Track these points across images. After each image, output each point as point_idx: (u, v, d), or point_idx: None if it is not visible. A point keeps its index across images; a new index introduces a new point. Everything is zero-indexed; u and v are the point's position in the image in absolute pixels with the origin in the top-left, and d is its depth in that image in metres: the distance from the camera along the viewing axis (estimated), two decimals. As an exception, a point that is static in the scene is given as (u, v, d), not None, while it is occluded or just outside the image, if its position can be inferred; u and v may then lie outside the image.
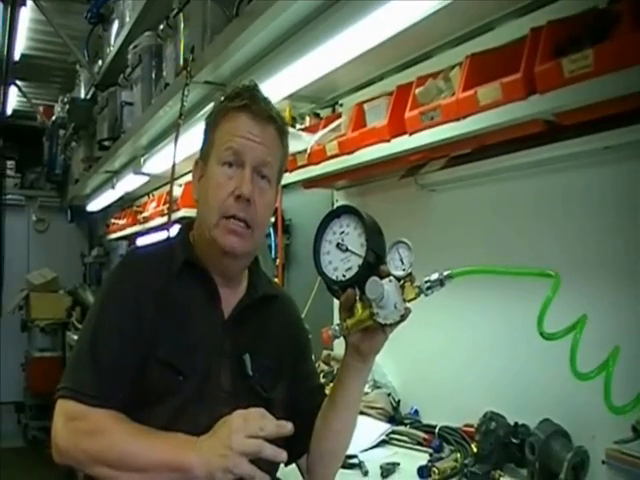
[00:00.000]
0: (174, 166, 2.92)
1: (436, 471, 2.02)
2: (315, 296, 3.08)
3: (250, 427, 1.30)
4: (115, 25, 4.97)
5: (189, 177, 4.26)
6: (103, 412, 1.40)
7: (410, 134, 2.17)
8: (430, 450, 2.27)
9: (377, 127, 2.35)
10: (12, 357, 8.44)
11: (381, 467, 2.14)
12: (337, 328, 1.43)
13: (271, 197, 1.60)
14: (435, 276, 1.33)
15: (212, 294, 1.57)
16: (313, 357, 1.93)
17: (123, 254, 7.18)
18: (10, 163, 9.51)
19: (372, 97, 2.57)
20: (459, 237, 2.41)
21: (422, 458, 2.18)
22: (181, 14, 3.15)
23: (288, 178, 2.75)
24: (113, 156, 4.76)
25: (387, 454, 2.33)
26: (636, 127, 1.72)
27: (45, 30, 6.32)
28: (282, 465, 1.70)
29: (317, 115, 3.14)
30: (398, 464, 2.17)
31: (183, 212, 4.23)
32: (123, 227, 6.34)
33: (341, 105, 3.02)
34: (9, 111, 8.49)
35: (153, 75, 3.91)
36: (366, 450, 2.34)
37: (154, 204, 5.33)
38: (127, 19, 4.42)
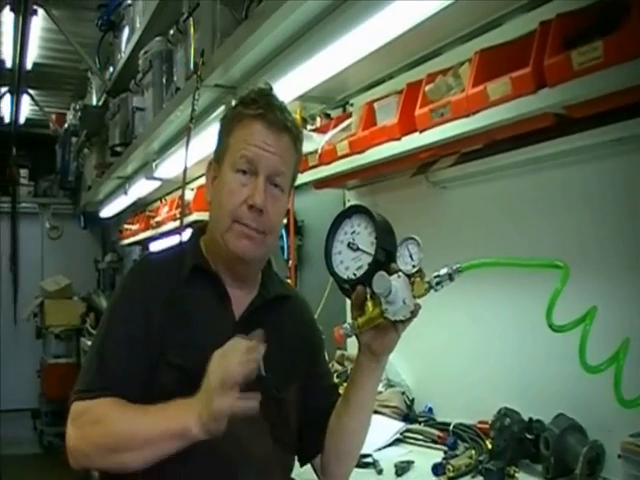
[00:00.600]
0: (186, 170, 2.94)
1: (451, 468, 2.02)
2: (328, 296, 3.07)
3: (223, 363, 1.31)
4: (126, 31, 5.01)
5: (201, 181, 4.28)
6: (103, 401, 1.41)
7: (420, 131, 2.17)
8: (445, 447, 2.25)
9: (387, 125, 2.35)
10: (27, 364, 8.51)
11: (395, 465, 2.13)
12: (349, 327, 1.43)
13: (283, 204, 1.60)
14: (444, 271, 1.33)
15: (222, 296, 1.57)
16: (327, 357, 1.94)
17: (136, 259, 7.21)
18: (23, 171, 9.60)
19: (382, 96, 2.57)
20: (471, 234, 2.41)
21: (437, 456, 2.18)
22: (191, 18, 3.16)
23: (299, 179, 2.74)
24: (125, 162, 4.79)
25: (401, 452, 2.33)
26: (648, 118, 1.71)
27: (56, 38, 6.37)
28: (297, 465, 1.71)
29: (327, 115, 3.15)
30: (413, 462, 2.16)
31: (195, 216, 4.25)
32: (136, 232, 6.37)
33: (351, 105, 3.03)
34: (22, 120, 8.56)
35: (164, 80, 3.93)
36: (380, 449, 2.33)
37: (166, 208, 5.34)
38: (137, 25, 4.46)
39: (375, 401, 1.78)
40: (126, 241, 6.95)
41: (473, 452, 2.11)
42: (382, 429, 2.41)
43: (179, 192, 4.51)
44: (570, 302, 1.22)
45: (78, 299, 8.30)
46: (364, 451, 1.89)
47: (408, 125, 2.24)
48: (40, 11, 5.73)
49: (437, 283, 1.34)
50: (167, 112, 3.44)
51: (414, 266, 1.34)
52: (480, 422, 2.26)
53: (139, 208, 6.47)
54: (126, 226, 6.91)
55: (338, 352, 2.99)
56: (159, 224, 5.35)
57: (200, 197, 4.28)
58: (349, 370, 2.69)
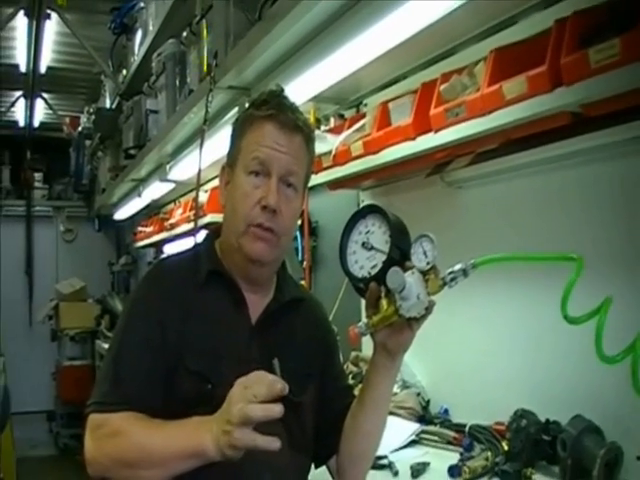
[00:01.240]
0: (200, 172, 2.94)
1: (467, 470, 2.01)
2: (342, 297, 3.07)
3: (247, 395, 1.26)
4: (139, 34, 5.02)
5: (215, 183, 4.29)
6: (122, 415, 1.40)
7: (435, 131, 2.17)
8: (460, 449, 2.25)
9: (402, 126, 2.35)
10: (43, 366, 8.56)
11: (411, 467, 2.12)
12: (363, 326, 1.43)
13: (297, 205, 1.60)
14: (458, 267, 1.33)
15: (238, 301, 1.57)
16: (341, 358, 1.93)
17: (151, 261, 7.24)
18: (38, 175, 9.66)
19: (396, 96, 2.56)
20: (487, 234, 2.39)
21: (453, 457, 2.17)
22: (204, 20, 3.16)
23: (314, 180, 2.76)
24: (139, 164, 4.80)
25: (417, 454, 2.32)
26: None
27: (70, 42, 6.40)
28: (312, 467, 1.71)
29: (341, 116, 3.14)
30: (428, 464, 2.15)
31: (209, 218, 4.25)
32: (150, 234, 6.38)
33: (365, 105, 3.02)
34: (36, 123, 8.61)
35: (177, 82, 3.93)
36: (396, 450, 2.33)
37: (180, 210, 5.35)
38: (150, 28, 4.46)
39: (391, 402, 1.78)
40: (140, 243, 6.97)
41: (489, 454, 2.10)
42: (398, 430, 2.41)
43: (193, 194, 4.54)
44: (585, 297, 1.22)
45: (93, 301, 8.34)
46: (380, 452, 1.89)
47: (423, 125, 2.24)
48: (54, 15, 5.76)
49: (451, 279, 1.33)
50: (181, 114, 3.45)
51: (428, 263, 1.34)
52: (496, 423, 2.25)
53: (153, 210, 6.49)
54: (140, 228, 6.93)
55: (353, 353, 2.98)
56: (173, 226, 5.36)
57: (214, 199, 4.29)
58: (364, 371, 2.69)
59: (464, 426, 2.35)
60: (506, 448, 2.05)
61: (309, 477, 1.70)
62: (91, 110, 7.32)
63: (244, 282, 1.58)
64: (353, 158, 2.64)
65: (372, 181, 2.98)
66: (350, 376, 2.81)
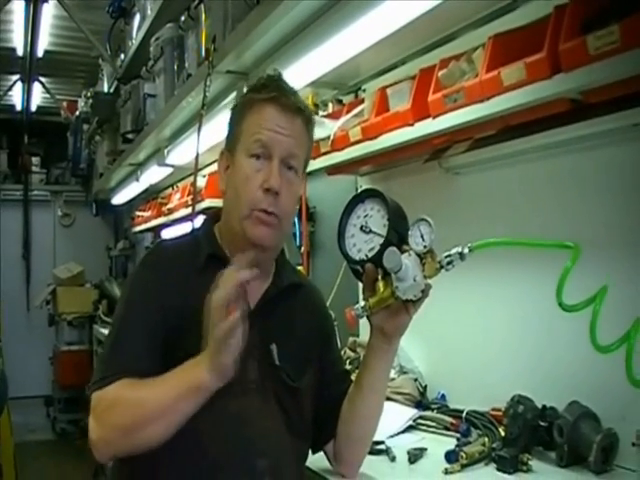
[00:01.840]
0: (197, 157, 2.93)
1: (464, 455, 2.01)
2: (340, 283, 3.07)
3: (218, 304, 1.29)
4: (137, 18, 5.00)
5: (213, 168, 4.28)
6: (116, 384, 1.41)
7: (434, 117, 2.15)
8: (458, 435, 2.25)
9: (400, 111, 2.33)
10: (40, 351, 8.58)
11: (408, 452, 2.12)
12: (360, 308, 1.44)
13: (298, 188, 1.61)
14: (455, 250, 1.34)
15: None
16: (339, 343, 1.94)
17: (149, 246, 7.23)
18: (35, 159, 9.65)
19: (395, 81, 2.55)
20: (484, 220, 2.39)
21: (450, 443, 2.17)
22: (202, 4, 3.15)
23: (312, 165, 2.72)
24: (137, 149, 4.79)
25: (414, 439, 2.32)
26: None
27: (67, 26, 6.39)
28: (310, 452, 1.72)
29: (340, 101, 3.12)
30: (426, 449, 2.15)
31: (207, 203, 4.23)
32: (148, 219, 6.37)
33: (364, 90, 3.00)
34: (33, 107, 8.59)
35: (175, 66, 3.92)
36: (393, 436, 2.33)
37: (178, 195, 5.34)
38: (148, 12, 4.44)
39: (388, 387, 1.79)
40: (138, 228, 6.96)
41: (486, 439, 2.10)
42: (395, 416, 2.41)
43: (191, 179, 4.54)
44: (582, 285, 1.22)
45: (90, 286, 8.33)
46: (377, 438, 1.89)
47: (421, 111, 2.23)
48: (51, -2, 5.74)
49: (448, 263, 1.35)
50: (179, 99, 3.44)
51: (425, 246, 1.35)
52: (493, 409, 2.25)
53: (151, 195, 6.48)
54: (138, 213, 6.92)
55: (350, 339, 2.99)
56: (171, 211, 5.35)
57: (212, 184, 4.28)
58: (361, 357, 2.69)
59: (461, 412, 2.35)
60: (503, 434, 2.05)
61: (307, 462, 1.71)
62: (89, 94, 7.28)
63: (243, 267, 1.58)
64: (351, 143, 2.63)
65: (370, 166, 2.98)
66: (347, 361, 2.81)
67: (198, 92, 2.96)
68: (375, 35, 2.18)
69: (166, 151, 4.27)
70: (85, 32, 5.92)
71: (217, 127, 3.06)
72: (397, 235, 1.40)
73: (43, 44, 6.77)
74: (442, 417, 2.41)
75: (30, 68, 7.20)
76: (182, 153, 4.07)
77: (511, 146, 2.17)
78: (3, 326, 6.35)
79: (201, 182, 4.36)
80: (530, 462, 1.91)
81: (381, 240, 1.41)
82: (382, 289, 1.41)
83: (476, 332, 2.47)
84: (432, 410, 2.51)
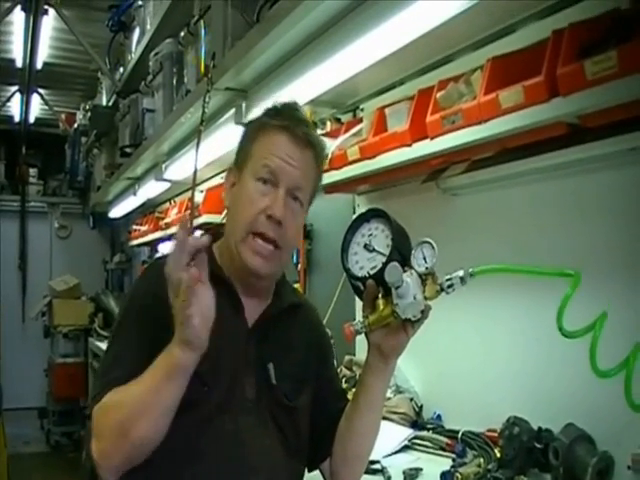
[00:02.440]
0: (195, 172, 2.91)
1: (459, 476, 2.01)
2: (337, 301, 3.07)
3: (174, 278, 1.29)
4: (136, 32, 5.02)
5: (211, 183, 4.29)
6: (109, 393, 1.40)
7: (431, 138, 2.16)
8: (453, 455, 2.24)
9: (398, 131, 2.34)
10: (35, 363, 8.56)
11: (404, 472, 2.12)
12: (359, 324, 1.45)
13: (301, 220, 1.61)
14: (456, 274, 1.34)
15: (236, 304, 1.57)
16: (335, 362, 1.94)
17: (145, 260, 7.24)
18: (33, 170, 9.66)
19: (393, 101, 2.56)
20: (482, 241, 2.40)
21: (445, 463, 2.17)
22: (202, 21, 3.16)
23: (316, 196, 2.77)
24: (135, 163, 4.79)
25: (410, 459, 2.32)
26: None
27: (67, 38, 6.41)
28: (306, 470, 1.71)
29: (338, 120, 3.13)
30: (421, 469, 2.15)
31: (205, 218, 4.24)
32: (145, 233, 6.38)
33: (362, 110, 3.02)
34: (32, 119, 8.61)
35: (174, 82, 3.93)
36: (389, 455, 2.33)
37: (175, 210, 5.35)
38: (148, 26, 4.46)
39: (384, 406, 1.78)
40: (135, 242, 6.97)
41: (482, 460, 2.11)
42: (390, 435, 2.41)
43: (189, 194, 4.53)
44: (582, 309, 1.23)
45: (86, 299, 8.32)
46: (372, 457, 1.89)
47: (419, 131, 2.24)
48: (51, 11, 5.76)
49: (449, 286, 1.35)
50: (177, 114, 3.44)
51: (427, 268, 1.35)
52: (489, 430, 2.25)
53: (148, 209, 6.48)
54: (135, 227, 6.93)
55: (346, 357, 2.99)
56: (168, 225, 5.35)
57: (210, 199, 4.29)
58: (357, 375, 2.69)
59: (457, 432, 2.35)
60: (498, 455, 2.05)
61: (303, 480, 1.71)
62: (87, 107, 7.31)
63: (242, 286, 1.58)
64: (349, 162, 2.64)
65: (368, 186, 2.98)
66: (344, 380, 2.81)
67: (197, 108, 2.97)
68: (374, 55, 2.18)
69: (164, 166, 4.27)
70: (84, 45, 5.94)
71: (215, 143, 3.08)
72: (400, 255, 1.41)
73: (42, 56, 6.79)
74: (438, 437, 2.41)
75: (29, 79, 7.22)
76: (180, 168, 4.07)
77: (508, 168, 2.17)
78: (-1, 337, 6.36)
79: (199, 197, 4.37)
80: (526, 484, 1.91)
81: (384, 259, 1.42)
82: (382, 307, 1.41)
83: (473, 353, 2.47)
84: (428, 430, 2.51)
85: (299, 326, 1.70)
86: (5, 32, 6.28)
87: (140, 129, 4.75)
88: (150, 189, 5.07)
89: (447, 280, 1.35)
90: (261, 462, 1.52)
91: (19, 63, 6.92)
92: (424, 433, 2.49)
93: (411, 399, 2.66)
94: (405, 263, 1.39)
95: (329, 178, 2.78)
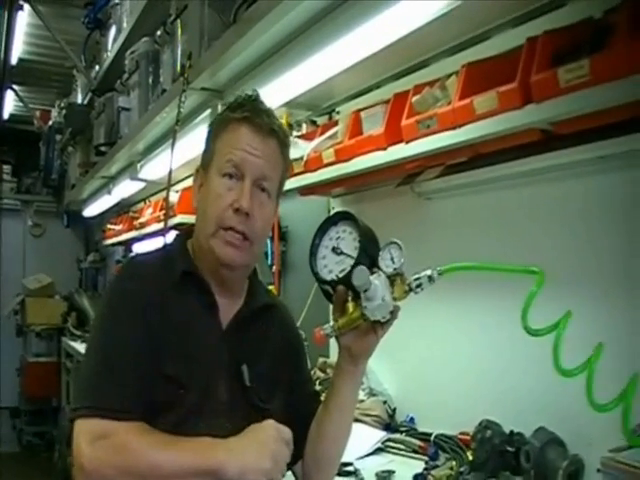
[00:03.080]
0: (171, 172, 2.92)
1: (432, 479, 2.02)
2: (311, 302, 3.07)
3: (284, 436, 1.36)
4: (112, 30, 4.99)
5: (186, 183, 4.28)
6: (128, 425, 1.35)
7: (407, 142, 2.18)
8: (426, 458, 2.26)
9: (374, 135, 2.35)
10: (7, 362, 8.44)
11: (377, 475, 2.13)
12: (329, 328, 1.45)
13: (270, 210, 1.59)
14: (424, 273, 1.35)
15: (210, 305, 1.55)
16: (309, 364, 1.94)
17: (119, 260, 7.18)
18: (6, 167, 9.54)
19: (369, 105, 2.57)
20: (455, 245, 2.41)
21: (418, 466, 2.18)
22: (178, 20, 3.15)
23: (285, 185, 2.76)
24: (110, 161, 4.76)
25: (383, 462, 2.33)
26: (632, 137, 1.72)
27: (42, 35, 6.33)
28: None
29: (314, 122, 3.14)
30: (394, 472, 2.16)
31: (179, 218, 4.23)
32: (119, 233, 6.34)
33: (338, 113, 3.03)
34: (6, 115, 8.51)
35: (150, 81, 3.91)
36: (362, 458, 2.34)
37: (150, 210, 5.32)
38: (124, 25, 4.44)
39: (357, 409, 1.79)
40: (109, 241, 6.92)
41: (454, 463, 2.12)
42: (363, 438, 2.42)
43: (163, 194, 4.51)
44: (548, 309, 1.24)
45: (60, 298, 8.25)
46: (345, 459, 1.89)
47: (394, 135, 2.25)
48: (26, 6, 5.69)
49: (417, 286, 1.36)
50: (153, 113, 3.43)
51: (395, 269, 1.36)
52: (461, 433, 2.26)
53: (123, 208, 6.44)
54: (109, 226, 6.88)
55: (320, 359, 2.99)
56: (143, 225, 5.33)
57: (184, 199, 4.28)
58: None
59: (430, 435, 2.36)
60: (471, 458, 2.07)
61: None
62: (62, 104, 7.25)
63: (216, 285, 1.56)
64: (324, 165, 2.64)
65: (343, 188, 2.99)
66: (317, 382, 2.81)
67: (172, 108, 2.96)
68: (351, 58, 2.19)
69: (139, 165, 4.26)
70: (60, 42, 5.88)
71: (191, 143, 3.07)
72: (368, 257, 1.41)
73: (17, 52, 6.71)
74: (411, 440, 2.42)
75: (3, 76, 7.13)
76: (155, 168, 4.06)
77: (482, 174, 2.19)
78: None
79: (174, 197, 4.35)
80: (497, 487, 1.92)
81: (352, 262, 1.42)
82: (351, 310, 1.42)
83: (445, 357, 2.48)
84: (401, 433, 2.52)
85: (273, 327, 1.69)
86: (-21, 27, 6.21)
87: (115, 128, 4.72)
88: (125, 188, 5.05)
89: (415, 280, 1.36)
90: None
91: (-7, 59, 6.85)
92: (397, 436, 2.50)
93: (384, 402, 2.66)
94: (373, 264, 1.39)
95: (304, 180, 2.79)
